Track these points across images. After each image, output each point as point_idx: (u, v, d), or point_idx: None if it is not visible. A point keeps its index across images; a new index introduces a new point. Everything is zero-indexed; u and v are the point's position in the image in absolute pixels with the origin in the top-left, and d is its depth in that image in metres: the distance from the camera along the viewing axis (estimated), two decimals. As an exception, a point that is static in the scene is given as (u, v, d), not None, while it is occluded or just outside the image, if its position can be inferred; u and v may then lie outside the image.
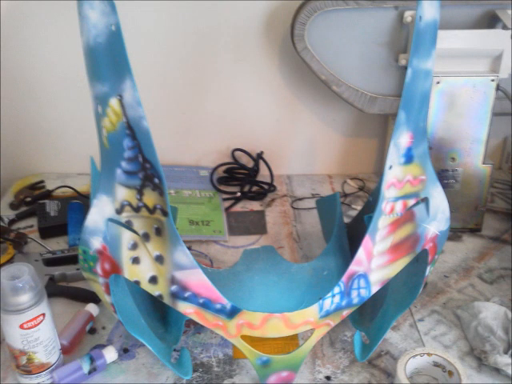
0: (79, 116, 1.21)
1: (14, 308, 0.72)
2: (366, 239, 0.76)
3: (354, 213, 1.14)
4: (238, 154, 1.30)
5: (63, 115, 1.23)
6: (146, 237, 0.72)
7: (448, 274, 1.01)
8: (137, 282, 0.73)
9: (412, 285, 0.84)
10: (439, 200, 0.80)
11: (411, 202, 0.78)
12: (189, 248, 0.77)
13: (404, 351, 0.81)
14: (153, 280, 0.72)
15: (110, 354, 0.81)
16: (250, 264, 0.90)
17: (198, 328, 0.88)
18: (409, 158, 0.76)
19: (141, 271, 0.72)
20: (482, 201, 1.10)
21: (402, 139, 0.75)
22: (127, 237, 0.72)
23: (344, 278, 0.76)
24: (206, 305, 0.72)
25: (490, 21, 1.06)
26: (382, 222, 0.77)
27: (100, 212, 0.71)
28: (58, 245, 1.07)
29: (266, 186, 1.26)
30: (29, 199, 1.18)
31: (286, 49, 1.17)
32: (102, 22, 0.62)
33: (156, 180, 0.68)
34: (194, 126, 1.27)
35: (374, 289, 0.78)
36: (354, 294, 0.77)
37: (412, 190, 0.78)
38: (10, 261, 1.00)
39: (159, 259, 0.72)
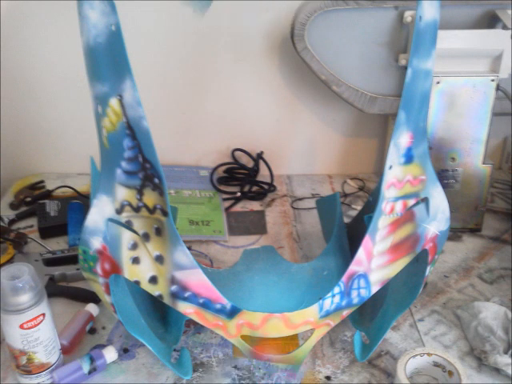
0: (79, 116, 1.21)
1: (14, 308, 0.72)
2: (366, 239, 0.76)
3: (354, 213, 1.14)
4: (238, 153, 1.30)
5: (63, 115, 1.23)
6: (146, 237, 0.72)
7: (448, 274, 1.01)
8: (137, 282, 0.73)
9: (412, 285, 0.84)
10: (439, 200, 0.80)
11: (411, 202, 0.78)
12: (189, 248, 0.77)
13: (404, 351, 0.81)
14: (153, 280, 0.72)
15: (110, 354, 0.81)
16: (250, 264, 0.90)
17: (198, 328, 0.88)
18: (409, 158, 0.76)
19: (141, 271, 0.72)
20: (482, 201, 1.10)
21: (402, 139, 0.75)
22: (127, 237, 0.72)
23: (344, 278, 0.76)
24: (206, 305, 0.72)
25: (490, 21, 1.06)
26: (382, 221, 0.77)
27: (100, 212, 0.71)
28: (58, 245, 1.07)
29: (266, 186, 1.26)
30: (29, 199, 1.18)
31: (286, 49, 1.17)
32: (102, 22, 0.62)
33: (156, 180, 0.68)
34: (194, 126, 1.26)
35: (374, 289, 0.78)
36: (354, 294, 0.77)
37: (412, 189, 0.78)
38: (10, 261, 1.00)
39: (159, 259, 0.72)
